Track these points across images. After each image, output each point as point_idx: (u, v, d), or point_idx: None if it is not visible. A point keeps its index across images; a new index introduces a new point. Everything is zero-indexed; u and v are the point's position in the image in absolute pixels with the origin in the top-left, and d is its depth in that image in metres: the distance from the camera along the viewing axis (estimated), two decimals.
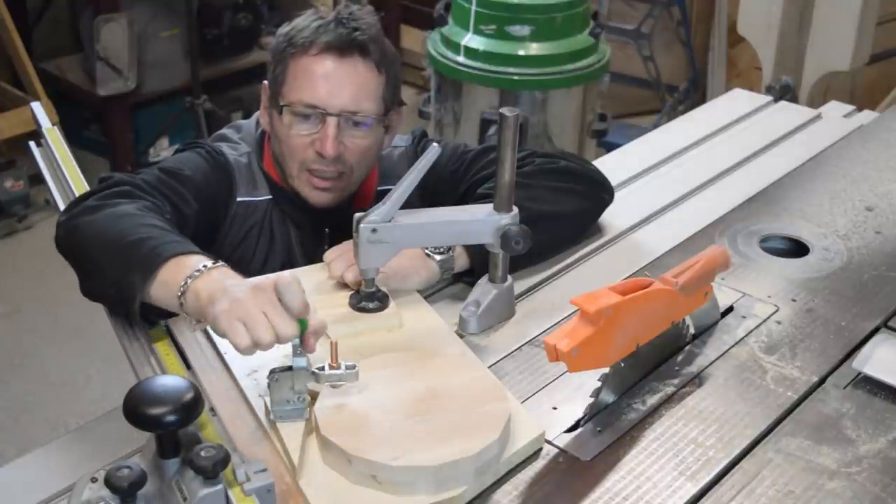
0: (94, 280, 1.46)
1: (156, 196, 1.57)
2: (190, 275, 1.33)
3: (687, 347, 1.52)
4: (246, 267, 1.71)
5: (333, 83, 1.65)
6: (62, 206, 1.60)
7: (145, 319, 1.47)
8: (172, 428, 1.08)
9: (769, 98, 2.57)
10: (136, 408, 1.08)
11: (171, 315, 1.46)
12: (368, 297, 1.52)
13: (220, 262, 1.36)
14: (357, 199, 1.78)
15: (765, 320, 1.59)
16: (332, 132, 1.65)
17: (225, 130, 1.86)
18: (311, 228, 1.79)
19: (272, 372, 1.27)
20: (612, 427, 1.34)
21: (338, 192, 1.73)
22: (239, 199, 1.75)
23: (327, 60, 1.65)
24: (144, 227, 1.44)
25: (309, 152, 1.68)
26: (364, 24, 1.68)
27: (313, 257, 1.72)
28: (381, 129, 1.73)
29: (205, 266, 1.34)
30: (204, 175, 1.70)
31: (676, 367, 1.47)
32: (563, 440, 1.32)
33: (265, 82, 1.75)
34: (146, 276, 1.36)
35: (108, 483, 1.04)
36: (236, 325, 1.23)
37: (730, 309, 1.61)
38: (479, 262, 1.61)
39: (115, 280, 1.40)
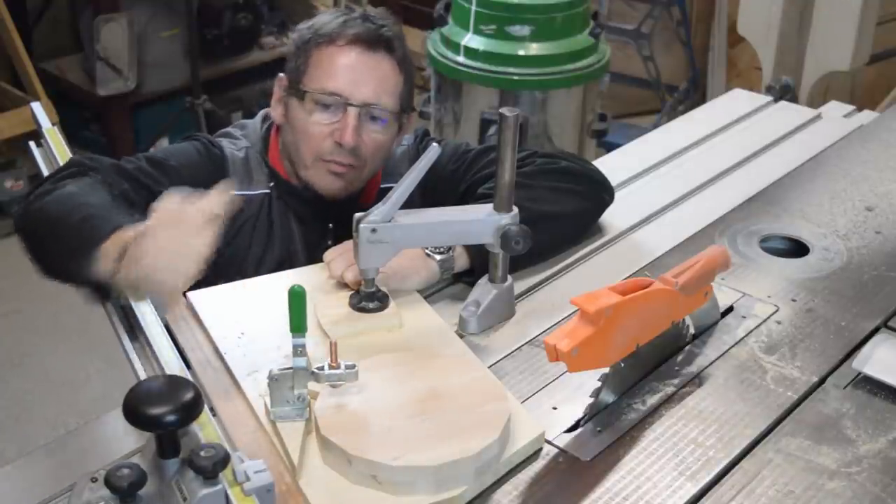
0: (53, 262, 1.50)
1: (111, 175, 1.59)
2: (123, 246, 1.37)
3: (687, 347, 1.52)
4: (241, 262, 1.72)
5: (358, 74, 1.67)
6: None
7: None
8: (172, 428, 1.08)
9: (769, 98, 2.57)
10: (136, 408, 1.08)
11: None
12: (368, 297, 1.52)
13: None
14: (362, 195, 1.78)
15: (765, 320, 1.59)
16: (353, 122, 1.67)
17: (229, 128, 1.87)
18: (315, 223, 1.79)
19: (272, 372, 1.27)
20: (612, 427, 1.34)
21: (349, 182, 1.74)
22: (232, 192, 1.75)
23: (353, 52, 1.67)
24: (83, 206, 1.48)
25: (326, 142, 1.69)
26: (390, 23, 1.72)
27: (316, 252, 1.73)
28: (396, 128, 1.75)
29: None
30: (191, 166, 1.72)
31: (676, 367, 1.47)
32: (563, 440, 1.32)
33: (281, 74, 1.77)
34: (91, 255, 1.39)
35: (108, 483, 1.04)
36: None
37: (730, 309, 1.61)
38: (479, 262, 1.61)
39: (72, 260, 1.43)
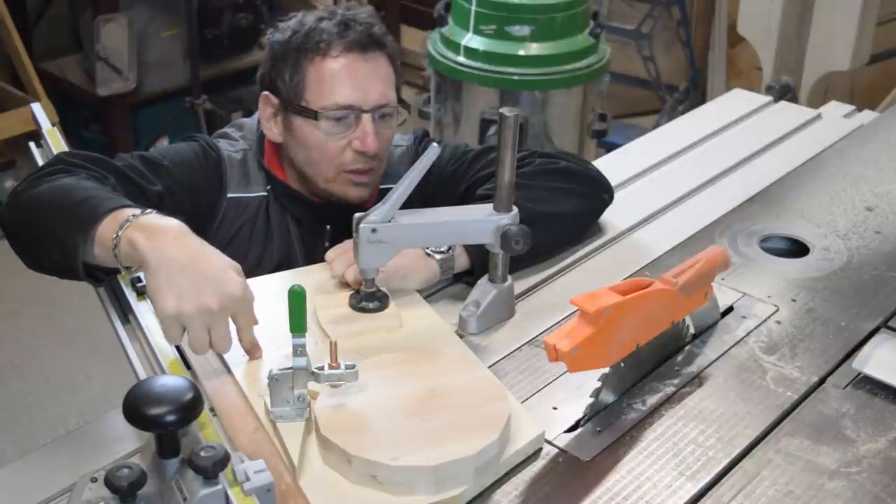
0: (41, 249, 1.48)
1: (97, 171, 1.58)
2: (121, 226, 1.37)
3: (687, 347, 1.52)
4: (239, 264, 1.72)
5: (363, 80, 1.68)
6: None
7: (91, 277, 1.48)
8: (172, 428, 1.08)
9: (769, 98, 2.57)
10: (136, 408, 1.08)
11: (115, 272, 1.49)
12: (368, 297, 1.52)
13: (150, 210, 1.41)
14: None
15: (765, 320, 1.59)
16: (371, 128, 1.68)
17: (227, 128, 1.86)
18: (313, 225, 1.79)
19: (272, 372, 1.27)
20: (612, 427, 1.34)
21: (372, 185, 1.76)
22: (230, 194, 1.75)
23: (351, 60, 1.67)
24: (81, 190, 1.47)
25: (346, 153, 1.69)
26: (372, 19, 1.72)
27: (313, 253, 1.73)
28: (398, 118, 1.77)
29: (133, 215, 1.38)
30: (186, 167, 1.71)
31: (676, 367, 1.47)
32: (563, 440, 1.32)
33: (266, 93, 1.74)
34: (85, 234, 1.39)
35: (108, 483, 1.04)
36: (176, 328, 1.31)
37: (730, 309, 1.61)
38: (479, 262, 1.61)
39: (59, 243, 1.42)
